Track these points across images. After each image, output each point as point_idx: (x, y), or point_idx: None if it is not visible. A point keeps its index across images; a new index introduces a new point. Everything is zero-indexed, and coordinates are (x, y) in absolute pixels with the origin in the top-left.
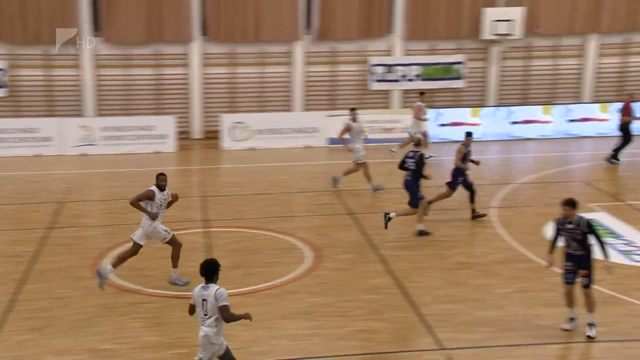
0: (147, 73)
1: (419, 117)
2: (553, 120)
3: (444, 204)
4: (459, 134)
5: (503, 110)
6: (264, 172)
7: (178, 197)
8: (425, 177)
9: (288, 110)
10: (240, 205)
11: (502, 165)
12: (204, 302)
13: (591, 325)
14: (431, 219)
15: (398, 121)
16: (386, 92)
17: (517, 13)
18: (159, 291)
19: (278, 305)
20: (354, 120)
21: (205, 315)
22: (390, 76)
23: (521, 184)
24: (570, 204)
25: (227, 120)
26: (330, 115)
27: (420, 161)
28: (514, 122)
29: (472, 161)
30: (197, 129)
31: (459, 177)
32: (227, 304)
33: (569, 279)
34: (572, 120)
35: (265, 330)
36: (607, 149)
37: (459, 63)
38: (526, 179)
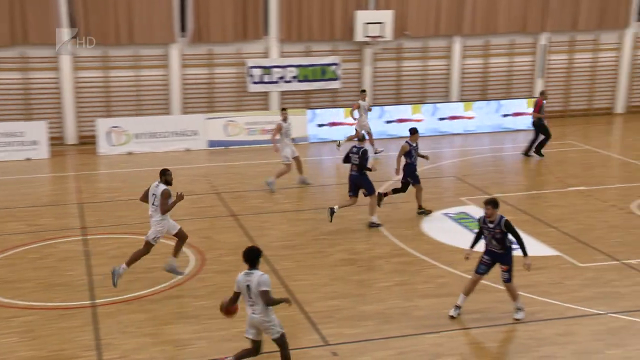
0: (14, 77)
1: (353, 116)
2: (424, 118)
3: (325, 202)
4: (335, 134)
5: (377, 109)
6: (144, 176)
7: (183, 196)
8: (369, 170)
9: (166, 114)
10: (120, 210)
11: (379, 163)
12: (248, 287)
13: (518, 310)
14: (314, 218)
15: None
16: (265, 94)
17: (387, 16)
18: (34, 303)
19: (162, 311)
20: (284, 120)
21: (250, 299)
22: (267, 78)
23: (397, 181)
24: (492, 203)
25: (102, 124)
26: (210, 118)
27: (363, 156)
28: (388, 121)
29: (421, 156)
30: (71, 135)
31: (413, 171)
32: (266, 289)
33: (481, 269)
34: (441, 119)
35: (148, 337)
36: (475, 145)
37: (334, 64)
38: (402, 176)
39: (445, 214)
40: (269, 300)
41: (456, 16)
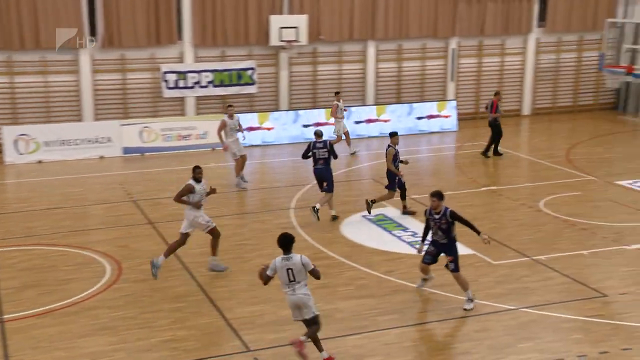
0: None
1: (336, 116)
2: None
3: (244, 208)
4: (253, 138)
5: (292, 114)
6: (55, 185)
7: (215, 190)
8: (335, 157)
9: (78, 120)
10: (30, 221)
11: (297, 167)
12: (289, 270)
13: (468, 300)
14: (233, 224)
15: (194, 128)
16: (180, 99)
17: (301, 20)
18: None
19: (77, 324)
20: (230, 117)
21: (293, 281)
22: (183, 83)
23: (315, 184)
24: (438, 195)
25: (9, 132)
26: (124, 124)
27: (332, 147)
28: (306, 125)
29: (401, 161)
30: None
31: (394, 178)
32: (314, 266)
33: (427, 259)
34: (358, 122)
35: (63, 351)
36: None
37: (251, 69)
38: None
39: (364, 217)
40: (319, 275)
41: (369, 21)
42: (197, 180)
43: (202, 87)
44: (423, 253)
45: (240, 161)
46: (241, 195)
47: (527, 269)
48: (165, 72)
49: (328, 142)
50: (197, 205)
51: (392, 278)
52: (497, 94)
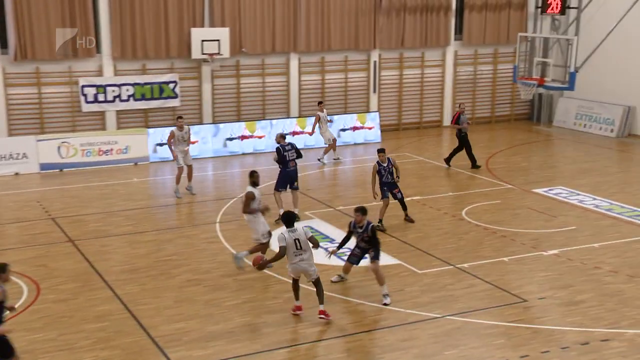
0: None
1: (319, 126)
2: (264, 134)
3: (169, 222)
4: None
5: (218, 127)
6: None
7: (267, 208)
8: (301, 156)
9: None
10: None
11: (222, 181)
12: (297, 241)
13: (385, 295)
14: (157, 239)
15: (115, 142)
16: (100, 114)
17: (223, 33)
18: None
19: None
20: (180, 128)
21: (300, 249)
22: (102, 97)
23: (240, 197)
24: (361, 210)
25: None
26: (41, 140)
27: (297, 147)
28: (230, 139)
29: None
30: None
31: (383, 187)
32: (312, 234)
33: (352, 260)
34: (285, 134)
35: None
36: (316, 159)
37: (173, 82)
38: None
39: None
40: (316, 241)
41: (291, 33)
42: (255, 184)
43: (122, 100)
44: (330, 257)
45: (188, 170)
46: (165, 210)
47: (451, 277)
48: (84, 86)
49: (291, 143)
50: (263, 210)
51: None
52: (459, 105)
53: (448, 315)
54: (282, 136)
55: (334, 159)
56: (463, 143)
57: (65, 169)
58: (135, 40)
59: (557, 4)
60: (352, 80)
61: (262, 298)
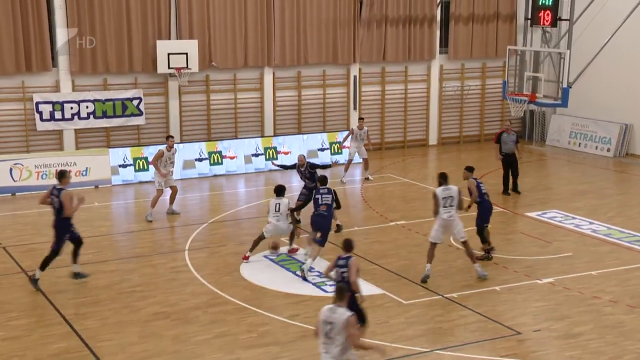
0: None
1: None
2: (236, 155)
3: (133, 251)
4: (144, 175)
5: (188, 146)
6: None
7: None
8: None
9: None
10: None
11: (191, 205)
12: (277, 204)
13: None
14: (120, 269)
15: (74, 164)
16: (57, 132)
17: (191, 46)
18: None
19: None
20: (169, 148)
21: (278, 211)
22: (59, 114)
23: (212, 223)
24: (347, 246)
25: None
26: None
27: (335, 195)
28: (200, 159)
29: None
30: None
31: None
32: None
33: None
34: (256, 155)
35: None
36: (291, 181)
37: (137, 99)
38: (217, 217)
39: (266, 257)
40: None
41: (265, 46)
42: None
43: (81, 118)
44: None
45: (172, 192)
46: (130, 237)
47: (439, 307)
48: (38, 103)
49: (333, 190)
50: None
51: (297, 323)
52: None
53: (437, 350)
54: (321, 181)
55: (365, 178)
56: (506, 166)
57: (18, 193)
58: (95, 53)
59: (547, 16)
60: (330, 96)
61: (235, 332)
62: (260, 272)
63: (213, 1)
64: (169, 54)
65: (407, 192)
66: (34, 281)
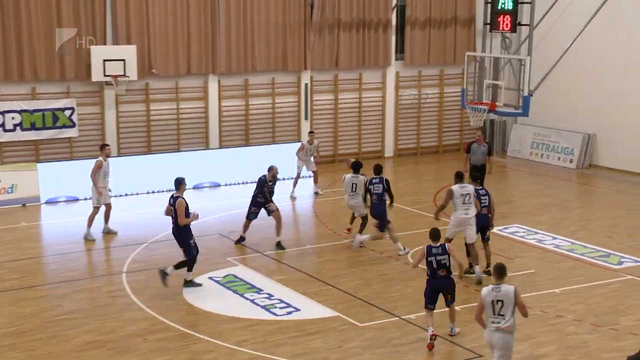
0: None
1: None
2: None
3: (65, 274)
4: (78, 191)
5: (126, 160)
6: None
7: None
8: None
9: None
10: None
11: (130, 223)
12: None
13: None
14: (50, 295)
15: None
16: None
17: (129, 52)
18: None
19: None
20: (107, 156)
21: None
22: None
23: (153, 242)
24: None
25: None
26: None
27: (387, 184)
28: (139, 173)
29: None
30: None
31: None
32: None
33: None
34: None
35: None
36: (241, 196)
37: (69, 109)
38: (159, 236)
39: (211, 278)
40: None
41: (209, 53)
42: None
43: (7, 130)
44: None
45: (106, 210)
46: (61, 260)
47: (397, 330)
48: None
49: (384, 178)
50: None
51: (246, 349)
52: (476, 133)
53: None
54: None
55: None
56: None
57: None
58: (22, 58)
59: (507, 21)
60: (280, 105)
61: None
62: (205, 295)
63: (152, 4)
64: (104, 61)
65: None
66: (162, 273)
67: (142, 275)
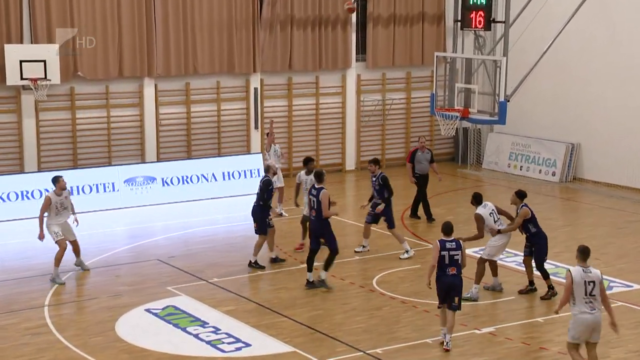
0: None
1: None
2: (119, 188)
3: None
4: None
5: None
6: None
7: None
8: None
9: None
10: None
11: (55, 247)
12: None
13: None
14: None
15: None
16: None
17: (51, 52)
18: None
19: None
20: (58, 191)
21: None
22: None
23: (80, 270)
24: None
25: None
26: None
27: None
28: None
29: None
30: None
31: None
32: None
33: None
34: (128, 180)
35: None
36: (185, 216)
37: None
38: (87, 262)
39: (148, 310)
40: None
41: (145, 53)
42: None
43: None
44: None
45: (73, 246)
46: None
47: None
48: None
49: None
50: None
51: None
52: (418, 139)
53: None
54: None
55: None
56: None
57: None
58: None
59: (480, 17)
60: (226, 113)
61: None
62: (141, 330)
63: None
64: (21, 62)
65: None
66: (321, 282)
67: (67, 308)
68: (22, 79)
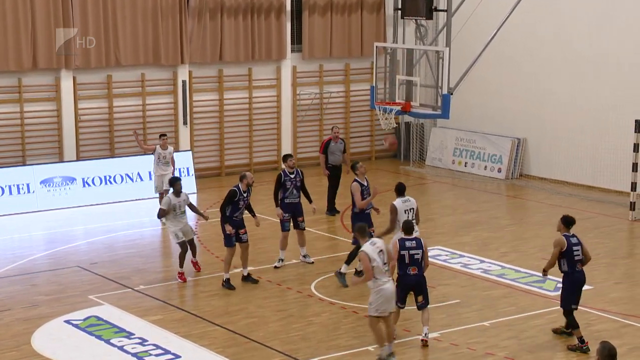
0: None
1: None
2: (35, 189)
3: None
4: None
5: None
6: None
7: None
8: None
9: None
10: None
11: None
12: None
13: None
14: None
15: None
16: None
17: None
18: None
19: None
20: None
21: None
22: None
23: None
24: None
25: None
26: None
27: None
28: None
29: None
30: None
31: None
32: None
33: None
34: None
35: None
36: (107, 219)
37: None
38: (3, 270)
39: (67, 322)
40: None
41: (59, 44)
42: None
43: None
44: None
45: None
46: None
47: None
48: None
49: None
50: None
51: None
52: (332, 129)
53: None
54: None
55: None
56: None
57: None
58: None
59: (421, 5)
60: (152, 107)
61: None
62: (60, 343)
63: None
64: None
65: (255, 230)
66: (339, 274)
67: None
68: None
